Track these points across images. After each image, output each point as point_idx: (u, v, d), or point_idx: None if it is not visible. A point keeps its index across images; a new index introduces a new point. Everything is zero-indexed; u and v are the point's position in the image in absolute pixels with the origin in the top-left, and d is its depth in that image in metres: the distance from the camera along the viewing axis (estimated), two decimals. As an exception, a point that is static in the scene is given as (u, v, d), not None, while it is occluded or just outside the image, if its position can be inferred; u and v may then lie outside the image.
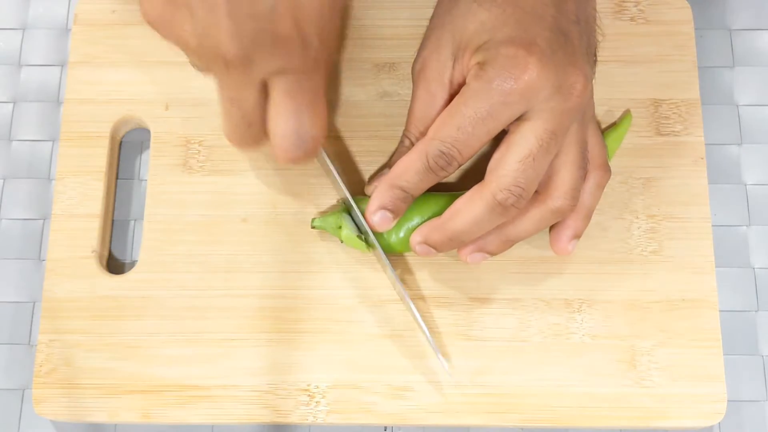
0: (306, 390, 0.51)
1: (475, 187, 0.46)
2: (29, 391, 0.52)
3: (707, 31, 0.58)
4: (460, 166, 0.46)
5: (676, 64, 0.55)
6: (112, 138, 0.55)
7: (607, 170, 0.50)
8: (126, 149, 0.56)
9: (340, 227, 0.51)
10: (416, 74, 0.49)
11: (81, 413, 0.50)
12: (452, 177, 0.53)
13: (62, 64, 0.58)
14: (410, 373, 0.51)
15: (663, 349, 0.51)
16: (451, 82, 0.47)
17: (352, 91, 0.55)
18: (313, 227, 0.52)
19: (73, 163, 0.54)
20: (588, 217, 0.50)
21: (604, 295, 0.52)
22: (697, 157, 0.54)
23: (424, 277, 0.52)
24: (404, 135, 0.50)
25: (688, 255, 0.52)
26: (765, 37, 0.59)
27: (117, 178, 0.56)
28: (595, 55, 0.48)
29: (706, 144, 0.55)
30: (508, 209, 0.45)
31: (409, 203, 0.48)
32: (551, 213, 0.47)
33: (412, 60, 0.55)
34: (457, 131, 0.45)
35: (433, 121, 0.47)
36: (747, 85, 0.58)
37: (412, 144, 0.49)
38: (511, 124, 0.45)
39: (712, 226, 0.54)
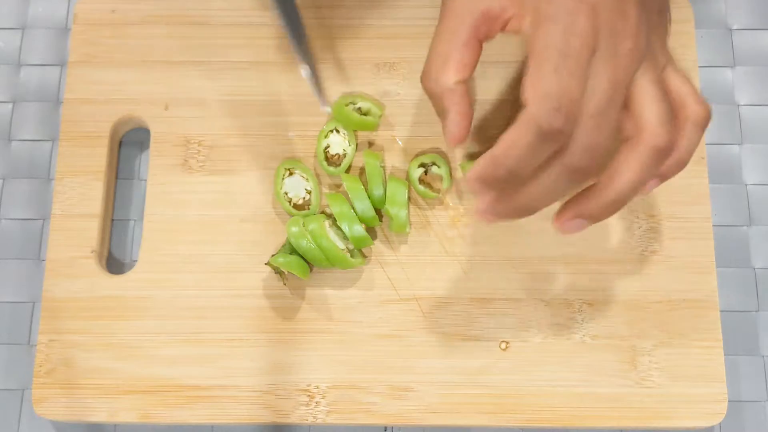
0: (306, 390, 0.51)
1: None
2: (29, 391, 0.52)
3: (707, 31, 0.58)
4: (577, 119, 0.41)
5: (676, 63, 0.55)
6: (112, 138, 0.55)
7: (704, 107, 0.45)
8: (126, 149, 0.56)
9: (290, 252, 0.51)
10: (445, 3, 0.46)
11: (81, 413, 0.50)
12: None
13: (62, 64, 0.58)
14: (410, 373, 0.51)
15: (663, 349, 0.51)
16: (484, 12, 0.44)
17: (352, 91, 0.55)
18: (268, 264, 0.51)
19: (72, 163, 0.54)
20: (687, 161, 0.46)
21: (605, 295, 0.52)
22: (697, 157, 0.54)
23: (424, 277, 0.52)
24: (423, 75, 0.46)
25: (688, 255, 0.52)
26: (765, 36, 0.59)
27: (117, 178, 0.56)
28: (667, 8, 0.47)
29: (706, 144, 0.55)
30: (588, 171, 0.42)
31: (518, 183, 0.43)
32: (651, 152, 0.43)
33: (413, 60, 0.55)
34: (558, 75, 0.41)
35: (451, 54, 0.45)
36: (747, 85, 0.58)
37: (434, 82, 0.46)
38: None
39: (713, 226, 0.53)
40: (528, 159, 0.42)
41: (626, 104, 0.44)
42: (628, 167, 0.43)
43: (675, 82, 0.46)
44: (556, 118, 0.40)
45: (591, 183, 0.43)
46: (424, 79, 0.47)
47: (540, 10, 0.43)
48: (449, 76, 0.46)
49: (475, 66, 0.46)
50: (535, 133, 0.41)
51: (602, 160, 0.42)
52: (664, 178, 0.46)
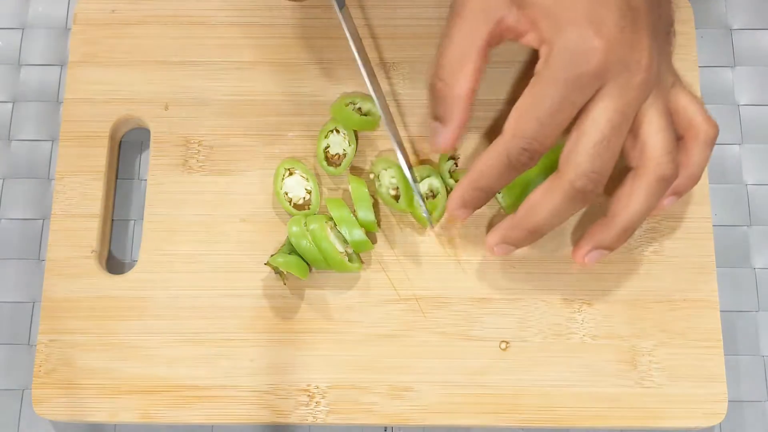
0: (306, 390, 0.50)
1: (551, 178, 0.45)
2: (29, 391, 0.52)
3: (707, 31, 0.58)
4: (541, 156, 0.45)
5: (676, 63, 0.55)
6: (112, 138, 0.55)
7: (711, 125, 0.47)
8: (126, 149, 0.56)
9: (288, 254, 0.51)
10: (458, 6, 0.46)
11: (81, 413, 0.50)
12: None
13: (62, 64, 0.58)
14: (410, 373, 0.51)
15: (664, 349, 0.51)
16: (499, 22, 0.45)
17: (352, 91, 0.55)
18: (268, 263, 0.51)
19: (72, 163, 0.54)
20: (699, 176, 0.48)
21: (605, 295, 0.52)
22: (697, 156, 0.54)
23: (424, 277, 0.52)
24: (436, 77, 0.47)
25: (688, 255, 0.52)
26: (765, 36, 0.59)
27: (117, 178, 0.56)
28: (672, 26, 0.48)
29: (706, 144, 0.55)
30: (587, 195, 0.45)
31: (490, 198, 0.48)
32: (656, 182, 0.45)
33: (413, 60, 0.55)
34: (538, 124, 0.44)
35: (467, 60, 0.46)
36: (747, 85, 0.58)
37: (446, 86, 0.47)
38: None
39: (713, 226, 0.53)
40: (500, 182, 0.46)
41: (633, 131, 0.46)
42: (636, 197, 0.46)
43: (683, 102, 0.48)
44: (522, 154, 0.45)
45: (590, 204, 0.46)
46: (435, 81, 0.47)
47: (553, 44, 0.44)
48: (463, 83, 0.47)
49: (482, 75, 0.47)
50: (504, 163, 0.45)
51: (602, 184, 0.45)
52: (679, 195, 0.49)
